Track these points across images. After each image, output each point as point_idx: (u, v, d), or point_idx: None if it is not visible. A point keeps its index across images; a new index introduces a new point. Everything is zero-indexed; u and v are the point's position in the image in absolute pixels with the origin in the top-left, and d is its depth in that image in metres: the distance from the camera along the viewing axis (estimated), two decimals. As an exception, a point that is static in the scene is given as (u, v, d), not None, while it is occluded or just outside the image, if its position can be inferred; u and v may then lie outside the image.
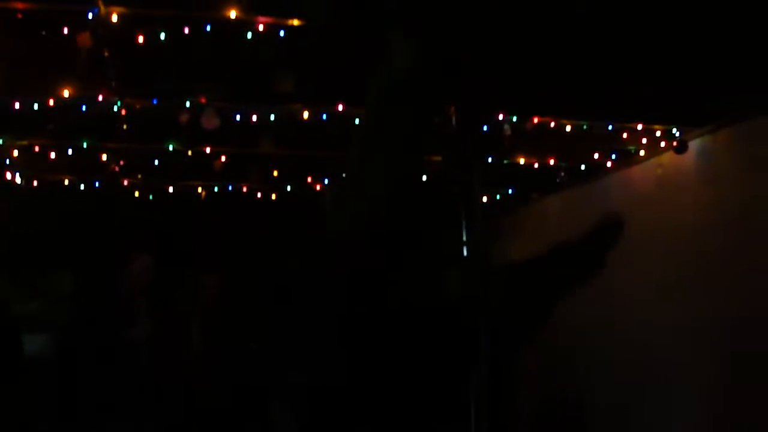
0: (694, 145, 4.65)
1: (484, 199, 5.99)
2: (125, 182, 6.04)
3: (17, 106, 4.49)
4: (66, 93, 4.35)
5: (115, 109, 4.48)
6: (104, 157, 5.50)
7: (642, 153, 5.12)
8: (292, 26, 3.62)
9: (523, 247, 6.59)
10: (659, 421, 4.67)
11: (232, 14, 3.54)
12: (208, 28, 3.59)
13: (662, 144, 4.89)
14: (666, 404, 4.62)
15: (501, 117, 4.55)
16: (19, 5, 3.56)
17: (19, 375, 5.84)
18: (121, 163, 5.56)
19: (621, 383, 5.03)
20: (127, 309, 5.26)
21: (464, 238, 2.38)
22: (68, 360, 5.33)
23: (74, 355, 5.24)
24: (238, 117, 4.43)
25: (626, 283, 5.04)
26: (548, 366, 6.10)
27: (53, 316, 6.38)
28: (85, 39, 3.74)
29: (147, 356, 5.22)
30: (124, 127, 4.79)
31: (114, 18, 3.58)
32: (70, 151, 5.34)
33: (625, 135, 4.88)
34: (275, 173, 5.69)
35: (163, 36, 3.62)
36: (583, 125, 4.71)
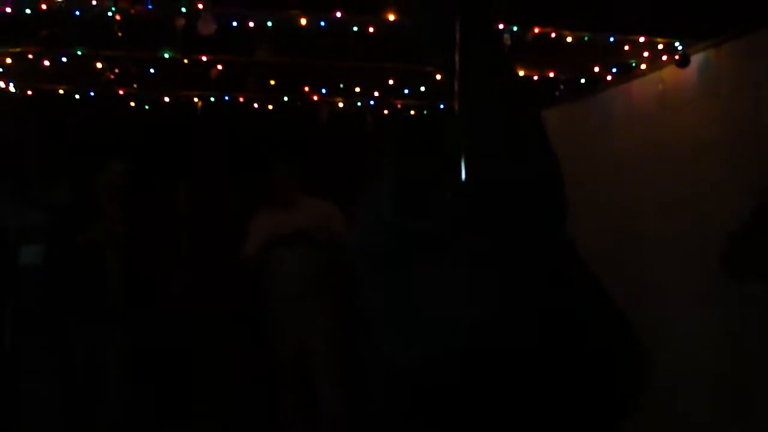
0: (696, 58, 4.60)
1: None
2: (121, 92, 5.97)
3: (8, 10, 4.42)
4: (59, -3, 4.27)
5: (110, 14, 4.39)
6: (99, 65, 5.43)
7: (643, 66, 5.06)
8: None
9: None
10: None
11: None
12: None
13: (664, 57, 4.84)
14: (662, 305, 4.67)
15: (501, 27, 4.47)
16: None
17: (10, 286, 5.91)
18: (116, 71, 5.49)
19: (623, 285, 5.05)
20: (98, 217, 5.28)
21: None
22: (55, 268, 5.39)
23: (61, 264, 5.30)
24: (234, 23, 4.36)
25: (625, 199, 5.05)
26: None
27: (49, 226, 6.41)
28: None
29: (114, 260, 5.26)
30: (119, 34, 4.70)
31: None
32: (64, 59, 5.26)
33: (626, 47, 4.82)
34: (272, 82, 5.64)
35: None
36: (584, 36, 4.64)
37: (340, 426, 5.27)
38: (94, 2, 4.27)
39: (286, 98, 6.05)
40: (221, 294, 6.62)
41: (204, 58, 5.16)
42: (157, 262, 6.12)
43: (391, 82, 5.69)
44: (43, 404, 5.80)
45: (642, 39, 4.74)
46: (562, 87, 5.64)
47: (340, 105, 6.17)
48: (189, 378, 6.56)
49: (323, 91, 5.95)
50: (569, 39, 4.65)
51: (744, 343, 3.97)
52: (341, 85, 5.85)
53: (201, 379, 6.60)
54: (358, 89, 5.92)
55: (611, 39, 4.73)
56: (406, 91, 5.95)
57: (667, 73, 4.84)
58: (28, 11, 4.42)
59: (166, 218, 6.54)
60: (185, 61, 5.14)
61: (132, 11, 4.38)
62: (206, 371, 6.63)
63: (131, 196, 5.46)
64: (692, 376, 4.33)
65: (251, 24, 4.41)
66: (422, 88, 5.80)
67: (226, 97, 6.06)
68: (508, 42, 4.44)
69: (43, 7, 4.31)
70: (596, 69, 5.31)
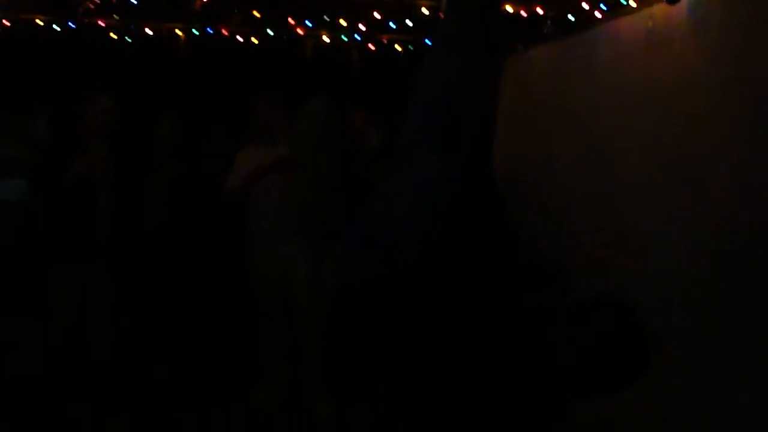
0: (687, -4, 4.54)
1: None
2: (101, 23, 5.84)
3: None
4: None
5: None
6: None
7: (633, 3, 4.99)
8: None
9: (506, 100, 6.54)
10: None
11: None
12: None
13: (654, -6, 4.78)
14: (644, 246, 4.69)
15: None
16: None
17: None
18: (97, 0, 5.36)
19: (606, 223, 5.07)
20: (84, 152, 5.21)
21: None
22: (36, 204, 5.33)
23: (45, 198, 5.24)
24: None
25: (611, 138, 5.04)
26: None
27: (27, 160, 6.34)
28: None
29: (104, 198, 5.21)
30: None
31: None
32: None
33: (616, -16, 4.76)
34: (257, 15, 5.54)
35: None
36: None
37: (323, 361, 5.32)
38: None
39: (270, 32, 5.94)
40: (208, 229, 6.61)
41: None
42: (144, 198, 6.09)
43: (377, 15, 5.60)
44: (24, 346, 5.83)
45: (633, -26, 4.68)
46: (549, 24, 5.57)
47: (326, 39, 6.08)
48: (178, 315, 6.60)
49: (308, 24, 5.86)
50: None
51: (730, 287, 4.00)
52: (326, 18, 5.76)
53: (189, 316, 6.64)
54: (343, 23, 5.83)
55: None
56: (392, 26, 5.87)
57: (657, 10, 4.78)
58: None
59: (151, 153, 6.49)
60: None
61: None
62: (193, 308, 6.67)
63: (117, 131, 5.39)
64: (676, 318, 4.37)
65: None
66: (409, 23, 5.72)
67: (210, 30, 5.94)
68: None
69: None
70: (585, 6, 5.24)
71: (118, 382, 5.42)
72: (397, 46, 6.29)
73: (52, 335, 5.27)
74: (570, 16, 5.49)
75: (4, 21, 5.86)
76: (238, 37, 6.06)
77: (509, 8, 5.28)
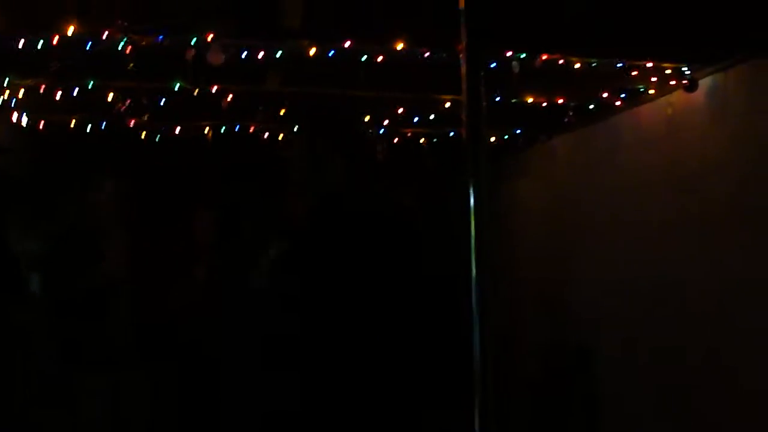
0: (704, 83, 4.60)
1: (492, 139, 5.97)
2: (131, 123, 5.98)
3: (21, 44, 4.45)
4: (70, 30, 4.31)
5: (121, 46, 4.43)
6: (110, 97, 5.45)
7: (651, 92, 5.07)
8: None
9: (531, 189, 6.59)
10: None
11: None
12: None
13: (672, 82, 4.84)
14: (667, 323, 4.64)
15: (509, 54, 4.49)
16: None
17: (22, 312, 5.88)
18: (128, 102, 5.51)
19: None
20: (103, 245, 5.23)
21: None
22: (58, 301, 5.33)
23: (64, 296, 5.24)
24: (244, 54, 4.39)
25: (633, 223, 5.05)
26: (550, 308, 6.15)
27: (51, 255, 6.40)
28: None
29: (127, 296, 5.20)
30: (131, 66, 4.74)
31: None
32: (75, 91, 5.30)
33: (634, 73, 4.83)
34: (282, 112, 5.66)
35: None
36: (592, 62, 4.66)
37: None
38: (105, 35, 4.31)
39: (296, 127, 6.07)
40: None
41: (214, 89, 5.20)
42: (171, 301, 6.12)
43: (400, 110, 5.71)
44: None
45: (649, 64, 4.75)
46: (571, 113, 5.65)
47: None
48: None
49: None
50: (577, 65, 4.67)
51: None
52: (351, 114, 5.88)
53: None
54: (367, 118, 5.94)
55: (619, 65, 4.74)
56: (415, 120, 5.97)
57: (675, 97, 4.84)
58: (39, 44, 4.46)
59: (179, 249, 6.55)
60: (195, 92, 5.17)
61: (143, 43, 4.41)
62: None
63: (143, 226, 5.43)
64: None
65: (261, 54, 4.44)
66: (431, 117, 5.82)
67: (237, 128, 6.07)
68: (517, 70, 4.46)
69: (55, 41, 4.34)
70: (605, 94, 5.32)
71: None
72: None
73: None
74: (590, 105, 5.56)
75: (39, 122, 6.02)
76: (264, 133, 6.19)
77: (531, 99, 5.37)
